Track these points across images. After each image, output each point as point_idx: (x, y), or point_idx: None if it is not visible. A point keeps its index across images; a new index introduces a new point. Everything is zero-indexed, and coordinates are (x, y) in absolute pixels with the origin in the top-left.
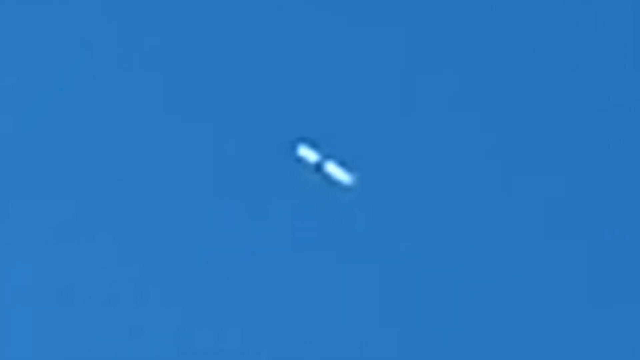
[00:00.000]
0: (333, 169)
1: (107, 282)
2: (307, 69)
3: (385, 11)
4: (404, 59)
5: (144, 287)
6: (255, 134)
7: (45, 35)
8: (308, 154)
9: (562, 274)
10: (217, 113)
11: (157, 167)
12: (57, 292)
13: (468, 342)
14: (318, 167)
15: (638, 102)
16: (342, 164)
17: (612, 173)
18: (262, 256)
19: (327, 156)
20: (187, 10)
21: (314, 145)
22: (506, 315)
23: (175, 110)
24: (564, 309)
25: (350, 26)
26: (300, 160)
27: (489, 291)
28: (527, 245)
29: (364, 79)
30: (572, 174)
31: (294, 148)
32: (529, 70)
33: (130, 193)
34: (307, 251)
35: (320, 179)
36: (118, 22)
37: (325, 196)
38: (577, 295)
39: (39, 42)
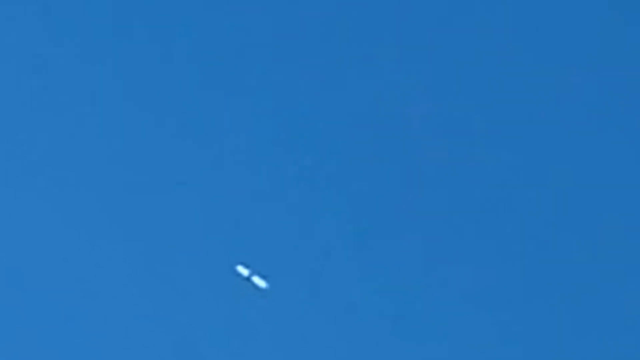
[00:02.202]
0: None
1: (108, 281)
2: (307, 68)
3: (385, 9)
4: (404, 57)
5: (145, 286)
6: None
7: (45, 33)
8: None
9: (566, 274)
10: (218, 113)
11: (159, 166)
12: (60, 291)
13: (469, 342)
14: None
15: None
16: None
17: (617, 171)
18: (263, 255)
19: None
20: (186, 8)
21: None
22: (509, 314)
23: (175, 110)
24: (567, 308)
25: (350, 25)
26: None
27: (493, 290)
28: (529, 244)
29: (365, 77)
30: (574, 173)
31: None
32: (529, 69)
33: (132, 192)
34: (307, 250)
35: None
36: (119, 20)
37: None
38: (580, 294)
39: (39, 41)
